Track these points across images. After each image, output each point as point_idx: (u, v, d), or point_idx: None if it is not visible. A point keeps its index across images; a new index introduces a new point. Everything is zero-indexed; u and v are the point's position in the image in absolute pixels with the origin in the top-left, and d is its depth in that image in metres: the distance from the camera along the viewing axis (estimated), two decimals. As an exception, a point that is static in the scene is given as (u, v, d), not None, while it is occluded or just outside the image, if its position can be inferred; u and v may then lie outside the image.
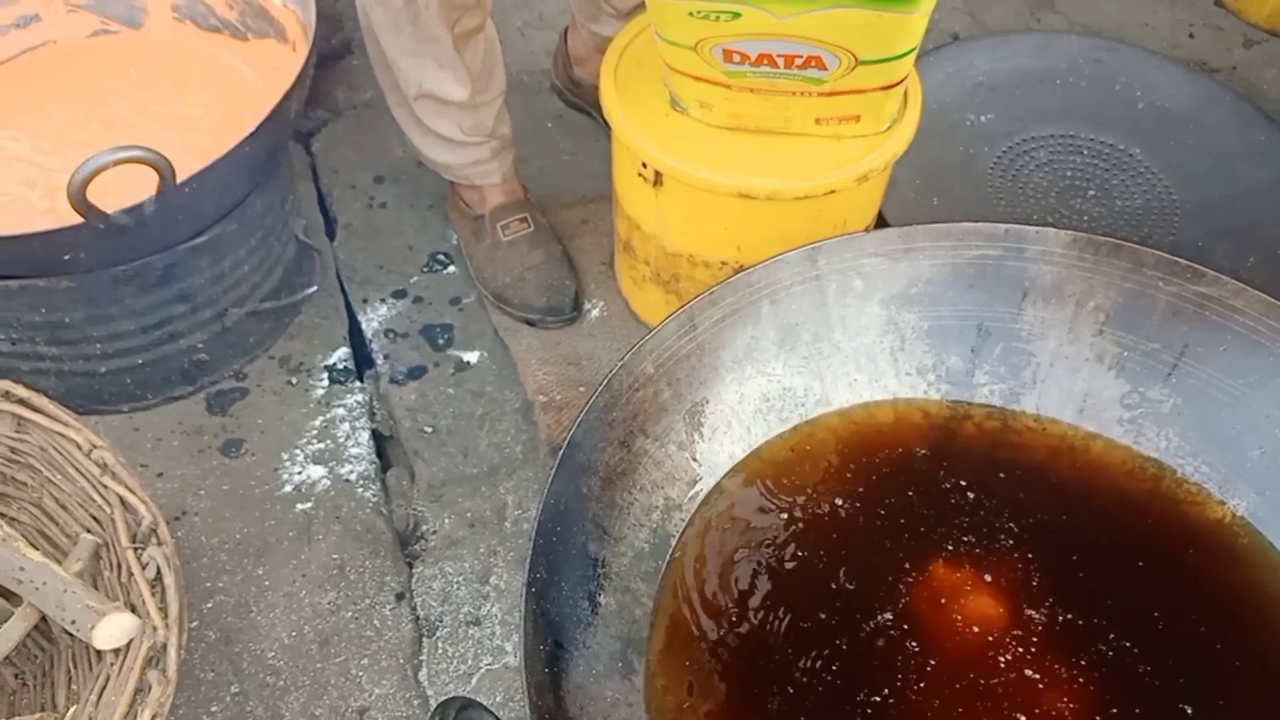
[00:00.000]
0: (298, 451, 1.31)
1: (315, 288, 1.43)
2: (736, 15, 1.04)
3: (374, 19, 1.27)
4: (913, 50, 1.11)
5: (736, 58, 1.09)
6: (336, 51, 1.83)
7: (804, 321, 1.10)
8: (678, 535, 1.02)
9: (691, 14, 1.05)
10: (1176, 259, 1.05)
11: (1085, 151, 1.60)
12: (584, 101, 1.68)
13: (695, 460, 1.06)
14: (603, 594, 0.94)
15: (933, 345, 1.12)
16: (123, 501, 1.00)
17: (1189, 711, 0.92)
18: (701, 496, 1.05)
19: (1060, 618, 0.97)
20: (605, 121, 1.63)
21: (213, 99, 1.39)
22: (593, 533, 0.95)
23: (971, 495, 1.06)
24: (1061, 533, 1.03)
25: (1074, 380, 1.10)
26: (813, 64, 1.08)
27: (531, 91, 1.76)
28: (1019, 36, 1.73)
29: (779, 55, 1.07)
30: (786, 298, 1.08)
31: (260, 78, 1.41)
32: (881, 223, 1.39)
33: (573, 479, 0.94)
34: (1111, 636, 0.96)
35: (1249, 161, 1.55)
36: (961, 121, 1.62)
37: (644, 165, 1.22)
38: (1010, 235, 1.09)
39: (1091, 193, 1.56)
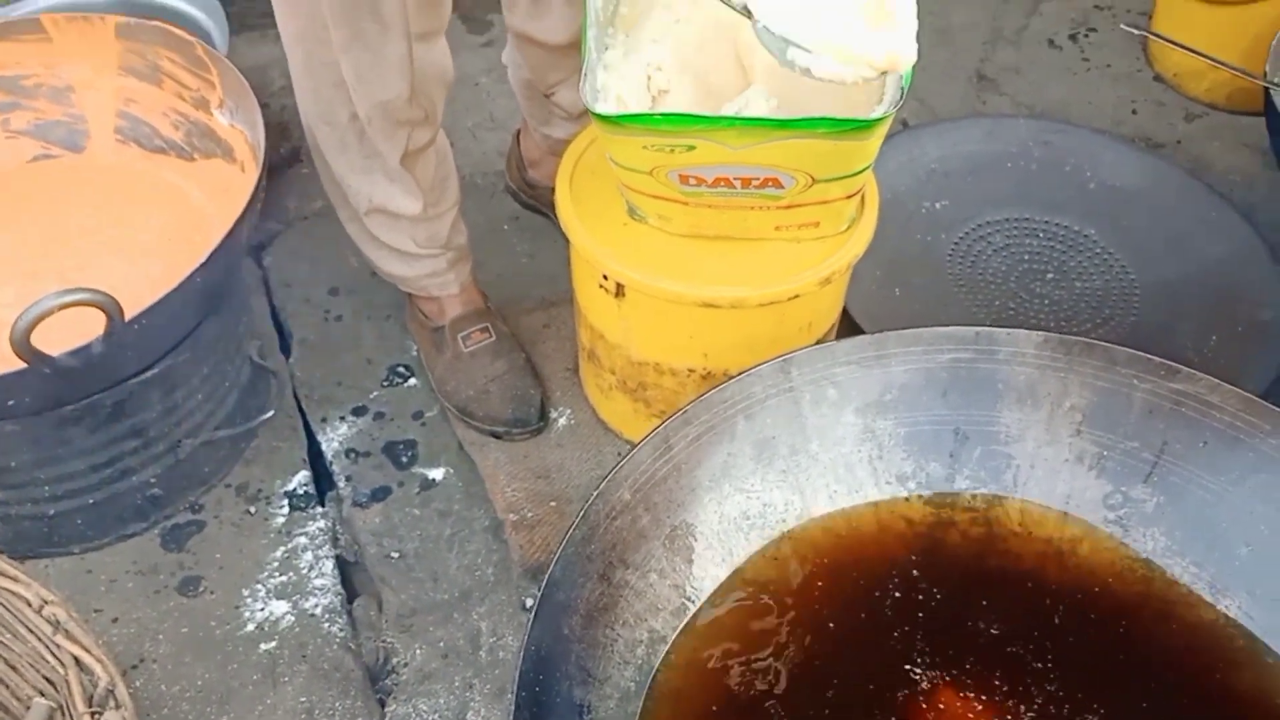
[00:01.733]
0: (259, 586, 1.26)
1: (272, 412, 1.38)
2: (691, 148, 1.03)
3: (319, 137, 1.25)
4: (869, 165, 1.11)
5: (693, 181, 1.08)
6: (285, 160, 1.80)
7: (780, 434, 1.07)
8: (663, 670, 0.98)
9: (645, 147, 1.05)
10: (1149, 356, 1.04)
11: (1041, 234, 1.61)
12: (540, 203, 1.67)
13: (677, 587, 1.02)
14: (590, 741, 0.90)
15: (911, 452, 1.10)
16: (77, 661, 0.94)
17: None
18: (685, 626, 1.01)
19: (1061, 734, 0.94)
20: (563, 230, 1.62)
21: (161, 222, 1.36)
22: (576, 676, 0.91)
23: (960, 607, 1.03)
24: (1055, 641, 1.01)
25: (1055, 482, 1.09)
26: (770, 184, 1.07)
27: (486, 194, 1.74)
28: (968, 122, 1.74)
29: (736, 178, 1.07)
30: (761, 411, 1.06)
31: (209, 199, 1.38)
32: (845, 317, 1.38)
33: (553, 621, 0.90)
34: (1114, 751, 0.93)
35: (1204, 239, 1.56)
36: (918, 209, 1.63)
37: (605, 277, 1.21)
38: (981, 338, 1.08)
39: (1050, 275, 1.56)
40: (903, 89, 0.99)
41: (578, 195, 1.25)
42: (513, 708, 0.81)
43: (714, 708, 0.96)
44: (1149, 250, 1.58)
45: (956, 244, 1.60)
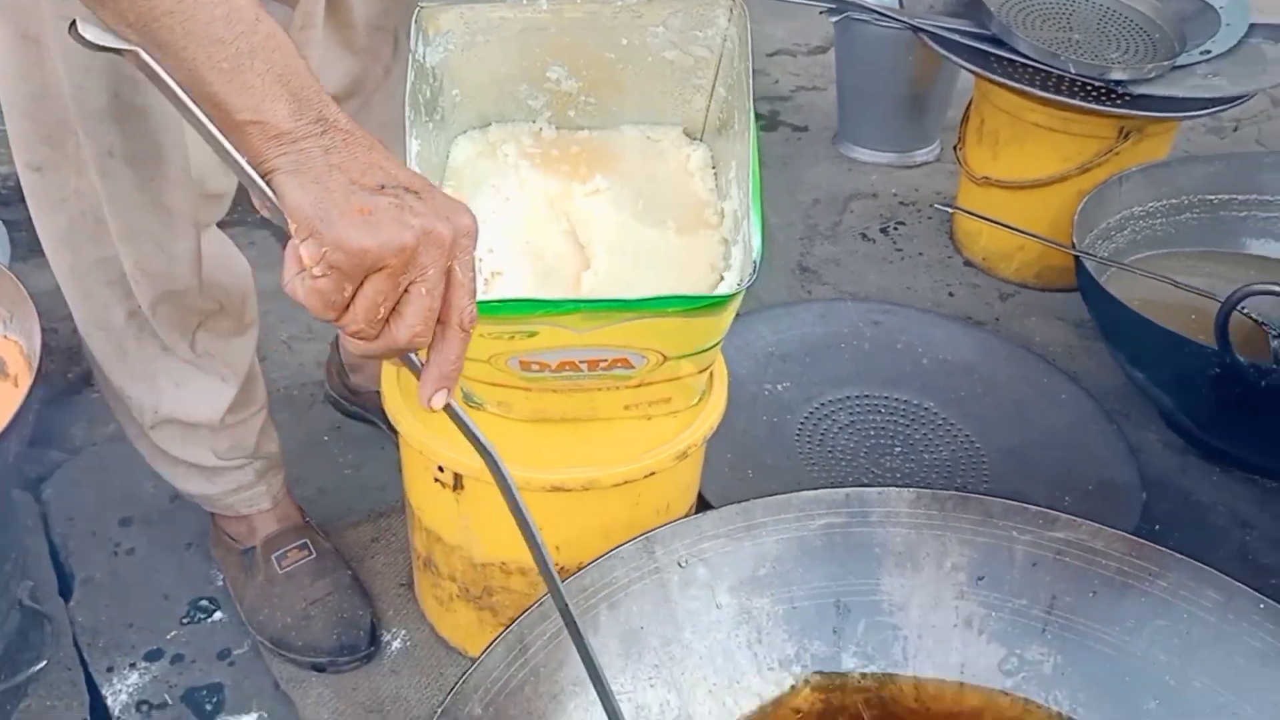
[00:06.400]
0: None
1: (44, 663, 1.16)
2: (533, 333, 0.96)
3: (94, 346, 1.11)
4: (721, 340, 1.07)
5: (535, 367, 1.00)
6: (74, 386, 1.63)
7: (648, 624, 0.95)
8: None
9: (482, 335, 0.97)
10: (1026, 505, 0.99)
11: (883, 410, 1.59)
12: (364, 409, 1.54)
13: (544, 818, 0.86)
14: None
15: (792, 632, 1.00)
16: None
17: None
18: None
19: None
20: (391, 428, 1.49)
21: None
22: None
23: (867, 804, 0.91)
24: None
25: (947, 651, 1.00)
26: (619, 365, 1.00)
27: (303, 405, 1.61)
28: (798, 306, 1.75)
29: (582, 361, 0.99)
30: (625, 599, 0.95)
31: (-26, 418, 1.20)
32: (702, 503, 1.30)
33: None
34: None
35: (1041, 407, 1.57)
36: (760, 392, 1.59)
37: (440, 469, 1.09)
38: (852, 499, 1.01)
39: (898, 449, 1.53)
40: (755, 262, 0.95)
41: (406, 384, 1.14)
42: None
43: None
44: (990, 420, 1.57)
45: (803, 424, 1.56)
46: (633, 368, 1.03)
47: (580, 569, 1.07)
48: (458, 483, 1.09)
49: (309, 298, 0.61)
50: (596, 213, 1.10)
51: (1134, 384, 1.60)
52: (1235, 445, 1.54)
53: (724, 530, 0.99)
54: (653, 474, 1.08)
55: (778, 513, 1.00)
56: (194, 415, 1.15)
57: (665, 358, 1.03)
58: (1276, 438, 1.47)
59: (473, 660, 1.21)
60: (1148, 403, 1.64)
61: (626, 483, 1.07)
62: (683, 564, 1.00)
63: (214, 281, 1.09)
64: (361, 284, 0.61)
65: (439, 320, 0.65)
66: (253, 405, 1.21)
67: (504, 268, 1.09)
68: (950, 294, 1.93)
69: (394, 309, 0.63)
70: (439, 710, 0.81)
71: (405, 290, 0.62)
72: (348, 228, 0.60)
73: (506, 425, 1.11)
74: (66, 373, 1.64)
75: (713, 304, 0.96)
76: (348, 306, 0.62)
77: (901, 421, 1.58)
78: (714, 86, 1.10)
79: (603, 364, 1.03)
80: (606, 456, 1.08)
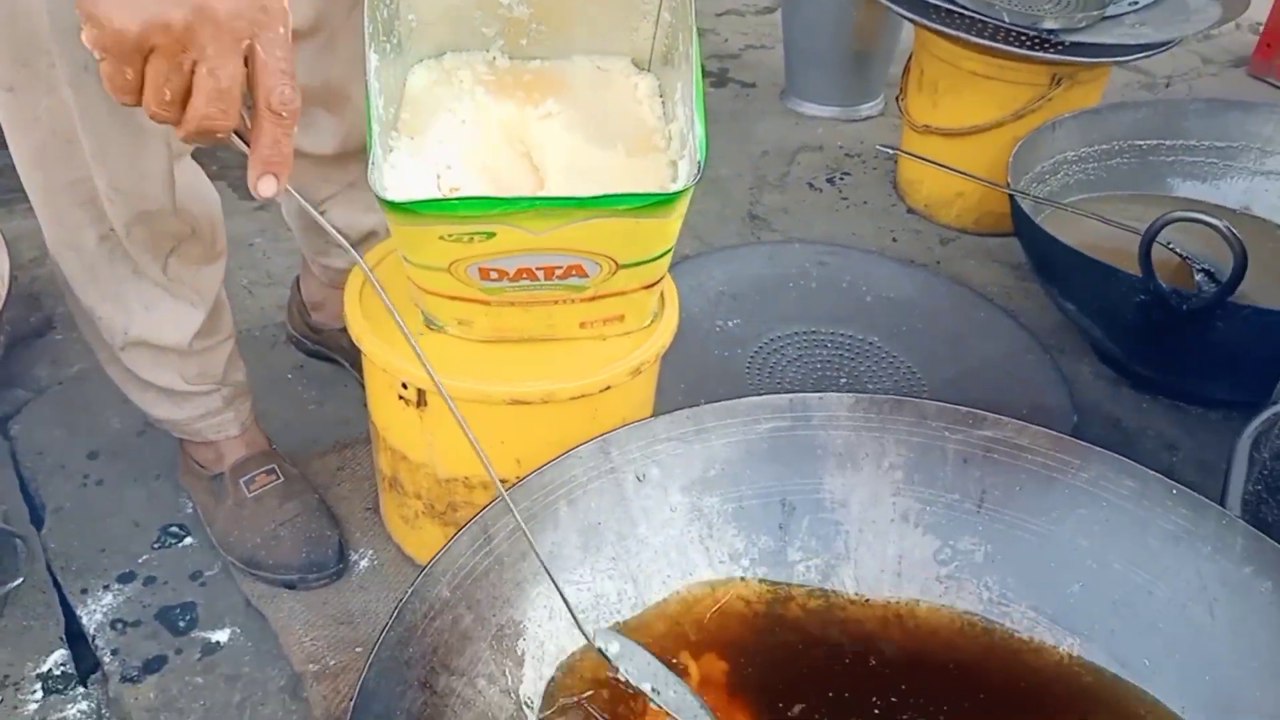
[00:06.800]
0: (4, 784, 1.05)
1: (21, 580, 1.20)
2: (491, 235, 1.00)
3: (65, 267, 1.13)
4: (669, 250, 1.12)
5: (494, 275, 1.05)
6: (36, 330, 1.65)
7: (606, 520, 1.01)
8: (502, 784, 0.86)
9: (443, 238, 1.01)
10: (956, 406, 1.06)
11: (829, 344, 1.66)
12: (326, 347, 1.58)
13: (508, 692, 0.92)
14: None
15: (741, 528, 1.06)
16: None
17: None
18: (522, 734, 0.90)
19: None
20: (354, 366, 1.53)
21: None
22: (403, 798, 0.78)
23: (808, 684, 0.97)
24: (905, 708, 0.96)
25: (885, 545, 1.07)
26: (574, 273, 1.05)
27: (265, 345, 1.64)
28: (747, 249, 1.81)
29: (539, 268, 1.04)
30: (584, 496, 1.00)
31: (-57, 347, 1.23)
32: (655, 428, 1.35)
33: (371, 734, 0.78)
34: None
35: (978, 339, 1.65)
36: (712, 329, 1.65)
37: (404, 386, 1.13)
38: (795, 404, 1.07)
39: (843, 380, 1.60)
40: (699, 163, 1.00)
41: (369, 310, 1.19)
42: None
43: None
44: (930, 353, 1.65)
45: (753, 357, 1.62)
46: (586, 275, 1.08)
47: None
48: (421, 399, 1.13)
49: (103, 81, 0.63)
50: (550, 136, 1.15)
51: (1066, 317, 1.67)
52: (1161, 373, 1.63)
53: (675, 434, 1.04)
54: (608, 388, 1.13)
55: (725, 417, 1.06)
56: (163, 338, 1.18)
57: (617, 265, 1.07)
58: (1199, 364, 1.55)
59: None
60: (1080, 338, 1.72)
61: (583, 396, 1.13)
62: (640, 477, 1.05)
63: (185, 209, 1.12)
64: (145, 67, 0.63)
65: (253, 105, 0.65)
66: (220, 333, 1.25)
67: (461, 184, 1.13)
68: (894, 239, 2.00)
69: (188, 92, 0.64)
70: (410, 590, 0.86)
71: (192, 73, 0.64)
72: (111, 8, 0.61)
73: (467, 347, 1.16)
74: (29, 317, 1.67)
75: (661, 201, 1.00)
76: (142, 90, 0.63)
77: (846, 355, 1.65)
78: (659, 10, 1.15)
79: (558, 271, 1.07)
80: (564, 372, 1.13)
